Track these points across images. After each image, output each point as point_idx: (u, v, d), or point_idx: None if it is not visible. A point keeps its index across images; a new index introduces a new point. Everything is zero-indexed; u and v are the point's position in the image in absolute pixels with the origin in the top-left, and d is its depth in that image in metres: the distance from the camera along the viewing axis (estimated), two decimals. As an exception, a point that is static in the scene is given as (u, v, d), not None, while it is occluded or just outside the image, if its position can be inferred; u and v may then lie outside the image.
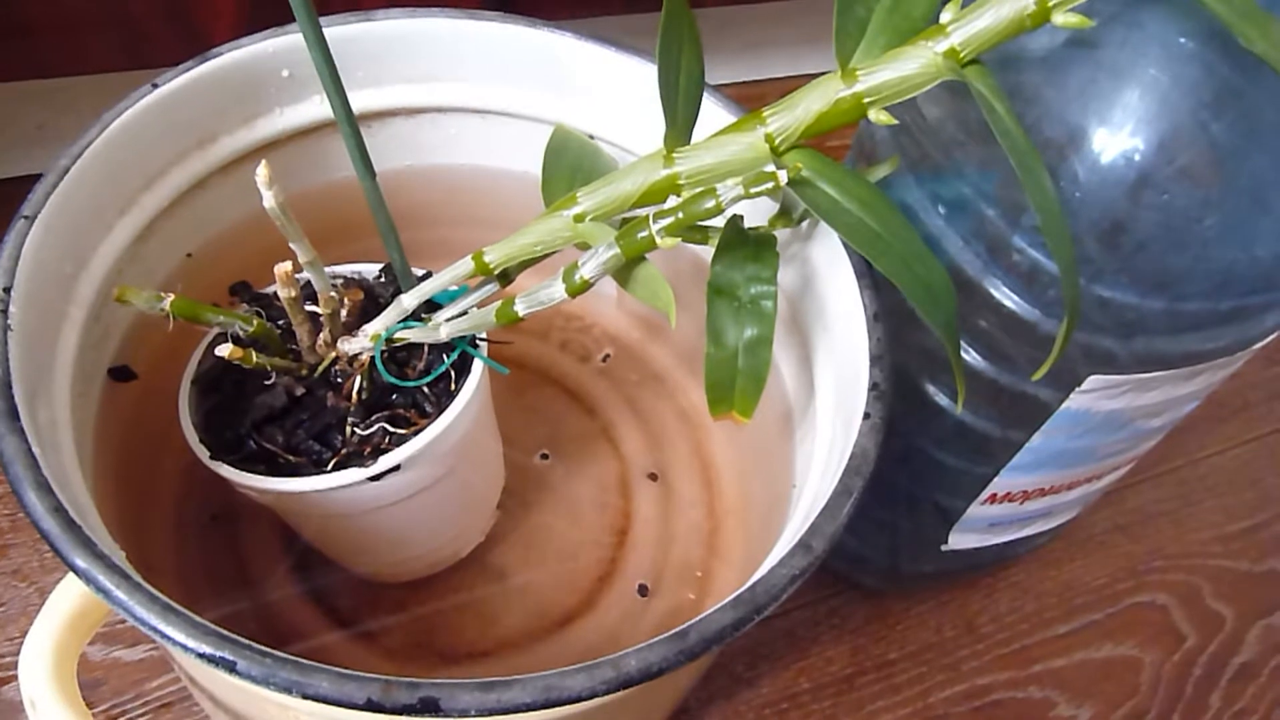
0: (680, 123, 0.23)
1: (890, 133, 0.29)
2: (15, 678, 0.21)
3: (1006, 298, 0.26)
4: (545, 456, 0.37)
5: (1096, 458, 0.31)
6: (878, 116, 0.22)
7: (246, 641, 0.19)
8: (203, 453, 0.25)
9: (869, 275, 0.27)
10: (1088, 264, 0.24)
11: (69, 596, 0.22)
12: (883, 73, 0.22)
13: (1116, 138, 0.23)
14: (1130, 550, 0.44)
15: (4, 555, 0.35)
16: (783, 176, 0.22)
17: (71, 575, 0.21)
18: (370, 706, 0.18)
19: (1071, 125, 0.24)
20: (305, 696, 0.18)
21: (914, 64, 0.21)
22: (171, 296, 0.23)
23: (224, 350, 0.24)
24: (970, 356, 0.28)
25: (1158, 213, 0.23)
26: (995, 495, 0.31)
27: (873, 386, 0.24)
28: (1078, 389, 0.27)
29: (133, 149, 0.27)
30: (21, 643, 0.22)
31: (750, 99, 0.27)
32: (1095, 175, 0.24)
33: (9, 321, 0.23)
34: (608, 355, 0.39)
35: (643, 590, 0.34)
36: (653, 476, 0.37)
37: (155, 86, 0.27)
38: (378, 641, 0.32)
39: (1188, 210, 0.23)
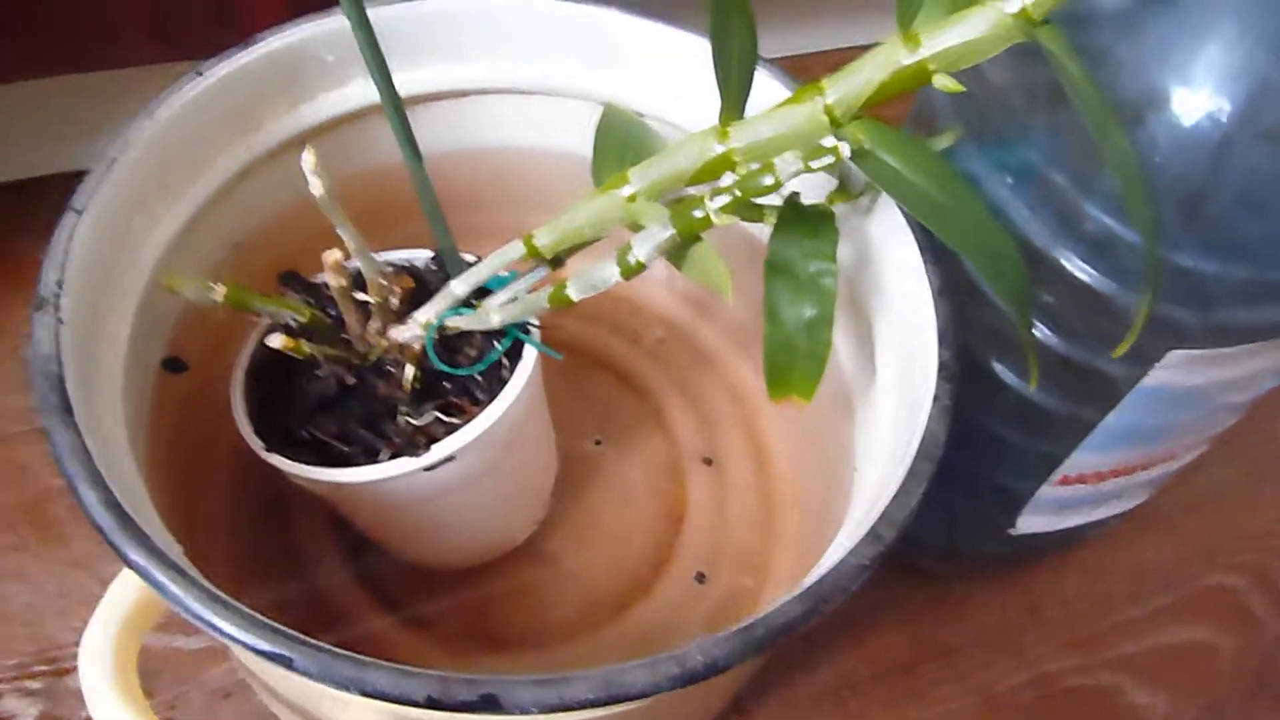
0: (734, 95, 0.22)
1: (951, 101, 0.27)
2: (77, 668, 0.21)
3: (1078, 269, 0.25)
4: (598, 442, 0.36)
5: (1175, 435, 0.29)
6: (943, 84, 0.21)
7: (303, 637, 0.18)
8: (257, 445, 0.25)
9: (932, 250, 0.26)
10: (1166, 231, 0.23)
11: (126, 590, 0.22)
12: (948, 36, 0.21)
13: (1198, 98, 0.22)
14: (1200, 531, 0.42)
15: (64, 545, 0.35)
16: (844, 149, 0.21)
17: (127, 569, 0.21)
18: (430, 704, 0.18)
19: (1149, 85, 0.22)
20: (363, 693, 0.18)
21: (982, 26, 0.20)
22: (222, 286, 0.23)
23: (276, 341, 0.23)
24: (1038, 332, 0.27)
25: (1243, 176, 0.22)
26: (1068, 477, 0.30)
27: (941, 367, 0.23)
28: (1156, 364, 0.26)
29: (180, 137, 0.27)
30: (83, 632, 0.22)
31: (795, 73, 0.26)
32: (1175, 138, 0.22)
33: (60, 315, 0.22)
34: (661, 338, 0.39)
35: (700, 578, 0.34)
36: (707, 461, 0.36)
37: (200, 74, 0.27)
38: (430, 628, 0.32)
39: (1275, 173, 0.22)
